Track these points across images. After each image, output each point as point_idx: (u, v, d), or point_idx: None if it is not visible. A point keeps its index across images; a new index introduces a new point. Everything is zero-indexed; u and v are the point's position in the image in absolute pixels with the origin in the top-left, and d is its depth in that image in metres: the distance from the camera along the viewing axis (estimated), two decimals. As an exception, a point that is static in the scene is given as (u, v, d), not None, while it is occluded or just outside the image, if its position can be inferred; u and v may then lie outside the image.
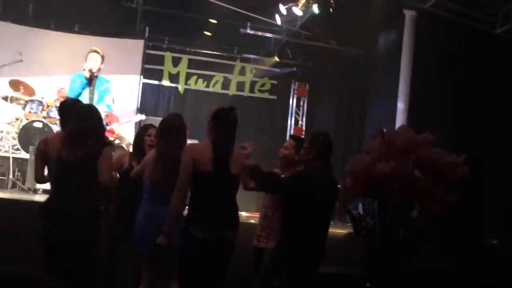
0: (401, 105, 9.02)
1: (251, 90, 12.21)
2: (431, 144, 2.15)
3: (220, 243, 3.84)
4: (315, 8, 10.09)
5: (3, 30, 11.14)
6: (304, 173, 4.16)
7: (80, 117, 4.02)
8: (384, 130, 2.31)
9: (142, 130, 4.94)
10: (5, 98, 9.53)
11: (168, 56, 11.91)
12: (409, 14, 9.07)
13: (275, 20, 10.79)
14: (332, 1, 9.81)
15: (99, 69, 7.69)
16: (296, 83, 12.47)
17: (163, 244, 3.88)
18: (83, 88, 7.59)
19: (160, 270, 4.26)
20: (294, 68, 12.39)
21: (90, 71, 7.58)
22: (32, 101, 9.48)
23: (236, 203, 4.06)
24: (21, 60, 9.88)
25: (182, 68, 11.97)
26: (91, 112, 4.13)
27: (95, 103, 7.53)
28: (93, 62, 7.64)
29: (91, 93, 7.70)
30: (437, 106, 8.48)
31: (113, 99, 8.28)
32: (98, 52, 7.70)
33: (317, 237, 4.00)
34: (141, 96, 11.62)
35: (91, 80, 7.64)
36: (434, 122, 7.86)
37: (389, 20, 9.72)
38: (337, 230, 6.72)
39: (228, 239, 3.90)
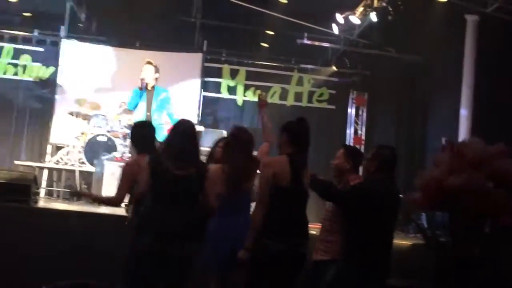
0: (464, 112, 8.79)
1: (309, 100, 12.16)
2: (505, 155, 2.08)
3: (295, 255, 3.85)
4: (373, 16, 9.98)
5: (68, 47, 11.57)
6: (363, 185, 4.11)
7: (188, 137, 4.04)
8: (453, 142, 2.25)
9: (217, 143, 4.98)
10: (72, 114, 9.94)
11: (226, 68, 12.03)
12: (470, 19, 8.84)
13: (332, 29, 10.72)
14: (390, 8, 9.67)
15: (155, 80, 7.93)
16: (355, 92, 12.33)
17: (243, 259, 3.90)
18: (140, 97, 7.86)
19: (229, 283, 4.29)
20: (352, 79, 12.26)
21: (142, 80, 7.84)
22: (96, 115, 9.78)
23: (306, 214, 4.11)
24: (86, 78, 10.19)
25: (240, 80, 12.06)
26: (193, 132, 4.14)
27: (153, 111, 7.75)
28: (146, 72, 7.95)
29: (149, 103, 7.95)
30: (501, 113, 8.21)
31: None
32: (151, 63, 8.00)
33: (381, 250, 3.93)
34: (201, 108, 11.77)
35: (146, 90, 7.86)
36: (499, 129, 7.61)
37: (450, 25, 9.48)
38: (400, 241, 6.58)
39: (302, 252, 3.93)
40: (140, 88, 7.89)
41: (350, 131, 12.30)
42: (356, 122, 12.34)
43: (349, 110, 12.37)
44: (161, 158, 3.97)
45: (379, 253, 3.91)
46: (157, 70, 7.98)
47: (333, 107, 12.22)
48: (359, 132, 12.28)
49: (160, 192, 3.91)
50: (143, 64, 8.25)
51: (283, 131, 4.06)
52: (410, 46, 11.01)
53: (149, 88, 8.02)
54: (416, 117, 11.40)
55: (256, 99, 11.98)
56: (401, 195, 3.87)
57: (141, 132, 4.61)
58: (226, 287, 4.32)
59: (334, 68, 12.13)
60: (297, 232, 3.90)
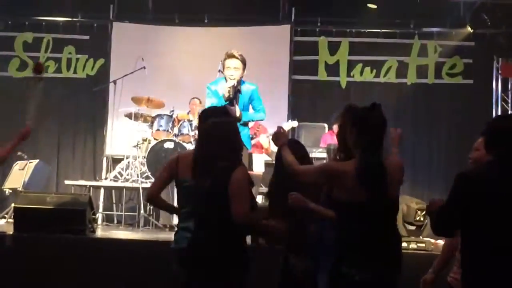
0: None
1: (437, 75, 11.93)
2: None
3: (381, 284, 3.84)
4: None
5: (120, 32, 12.05)
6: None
7: (206, 138, 4.24)
8: None
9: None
10: (129, 116, 10.19)
11: (323, 41, 12.03)
12: None
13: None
14: None
15: (241, 78, 7.55)
16: (500, 60, 11.96)
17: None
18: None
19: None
20: (495, 42, 11.89)
21: (233, 88, 7.35)
22: (160, 116, 10.03)
23: (398, 231, 4.11)
24: (143, 67, 10.43)
25: (342, 55, 12.02)
26: (219, 129, 4.26)
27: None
28: (233, 72, 7.49)
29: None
30: None
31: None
32: (237, 57, 7.52)
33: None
34: (292, 97, 11.91)
35: (234, 98, 7.56)
36: None
37: None
38: None
39: (390, 279, 3.90)
40: (228, 99, 7.53)
41: (496, 112, 11.94)
42: (504, 100, 11.97)
43: (493, 84, 12.02)
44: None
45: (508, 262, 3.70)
46: (244, 65, 7.62)
47: (470, 81, 11.93)
48: (510, 112, 11.89)
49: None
50: (222, 57, 7.80)
51: (353, 125, 4.00)
52: None
53: (236, 90, 7.72)
54: None
55: (365, 78, 12.02)
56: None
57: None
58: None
59: (469, 29, 11.86)
60: (382, 254, 3.87)
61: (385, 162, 3.95)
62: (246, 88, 7.52)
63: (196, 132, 9.26)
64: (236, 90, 7.41)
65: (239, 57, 7.40)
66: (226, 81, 7.38)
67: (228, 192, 4.01)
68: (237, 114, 7.27)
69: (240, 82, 7.46)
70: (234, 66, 7.36)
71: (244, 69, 7.45)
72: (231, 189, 4.01)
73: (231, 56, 7.41)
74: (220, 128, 4.28)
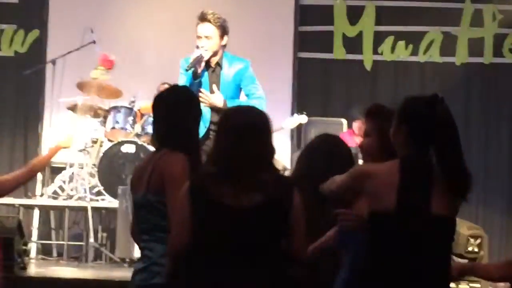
0: None
1: (497, 52, 11.94)
2: None
3: None
4: None
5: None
6: None
7: (241, 136, 4.02)
8: None
9: None
10: (73, 108, 10.15)
11: (340, 5, 12.05)
12: None
13: None
14: None
15: (222, 48, 7.63)
16: None
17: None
18: (196, 84, 7.60)
19: None
20: None
21: (198, 60, 7.40)
22: (116, 109, 10.02)
23: (448, 265, 4.08)
24: (93, 42, 10.44)
25: (367, 24, 12.03)
26: (257, 123, 4.11)
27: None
28: (204, 42, 7.55)
29: (210, 89, 7.75)
30: None
31: None
32: (209, 21, 7.54)
33: None
34: (298, 82, 11.92)
35: (207, 71, 7.59)
36: None
37: None
38: None
39: None
40: (195, 75, 7.61)
41: None
42: None
43: None
44: (204, 177, 4.05)
45: None
46: (223, 31, 7.69)
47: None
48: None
49: (208, 243, 3.98)
50: (196, 20, 7.89)
51: (402, 120, 4.01)
52: None
53: (212, 65, 7.80)
54: None
55: (398, 57, 12.00)
56: None
57: (179, 108, 4.64)
58: None
59: (540, -12, 11.89)
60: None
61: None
62: (231, 65, 7.55)
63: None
64: (208, 64, 7.49)
65: (213, 21, 7.40)
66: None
67: (290, 218, 3.98)
68: (218, 102, 7.22)
69: (221, 55, 7.52)
70: (206, 34, 7.39)
71: (222, 36, 7.47)
72: (293, 216, 3.98)
73: (202, 19, 7.46)
74: (261, 120, 4.16)
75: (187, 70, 7.33)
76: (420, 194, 3.91)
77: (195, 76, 7.30)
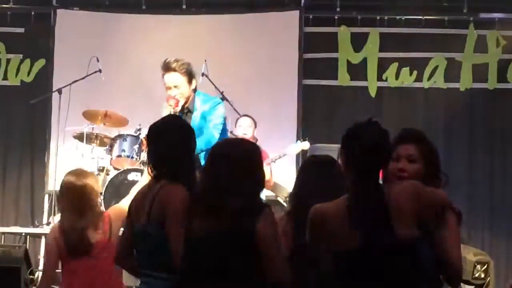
0: None
1: (501, 77, 11.94)
2: None
3: None
4: None
5: (66, 23, 12.09)
6: None
7: (224, 161, 4.17)
8: None
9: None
10: (79, 137, 10.22)
11: (344, 33, 12.09)
12: None
13: None
14: None
15: (193, 91, 7.51)
16: None
17: None
18: None
19: None
20: None
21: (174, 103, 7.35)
22: (122, 137, 10.05)
23: None
24: (99, 71, 10.48)
25: (371, 51, 12.06)
26: (233, 150, 4.25)
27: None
28: (174, 91, 7.41)
29: None
30: None
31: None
32: (174, 69, 7.34)
33: None
34: (302, 109, 11.93)
35: (182, 114, 7.48)
36: None
37: None
38: None
39: None
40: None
41: None
42: None
43: None
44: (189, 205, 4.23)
45: None
46: (190, 76, 7.48)
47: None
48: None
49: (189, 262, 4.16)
50: (166, 72, 7.50)
51: (342, 147, 4.05)
52: None
53: (184, 110, 7.72)
54: None
55: (402, 83, 12.00)
56: None
57: (175, 140, 4.75)
58: None
59: (543, 14, 11.93)
60: None
61: (391, 189, 3.99)
62: (204, 104, 7.51)
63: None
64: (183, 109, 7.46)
65: (178, 69, 7.33)
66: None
67: (255, 243, 4.04)
68: None
69: (192, 99, 7.49)
70: (174, 84, 7.35)
71: (190, 81, 7.41)
72: (261, 238, 4.04)
73: (166, 68, 7.40)
74: (237, 146, 4.33)
75: None
76: (380, 222, 3.90)
77: None
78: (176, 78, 7.33)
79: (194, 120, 7.41)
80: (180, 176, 4.52)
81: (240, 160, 4.16)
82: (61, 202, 5.93)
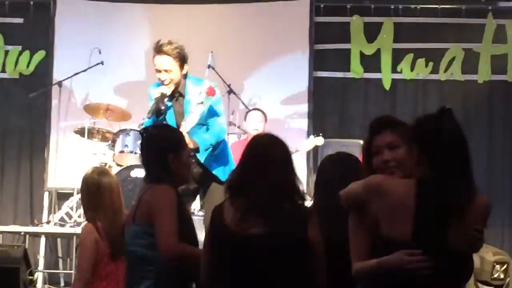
0: None
1: (521, 69, 11.89)
2: None
3: None
4: None
5: (67, 13, 12.01)
6: None
7: (264, 167, 4.19)
8: None
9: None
10: (81, 132, 10.13)
11: (357, 23, 12.03)
12: None
13: None
14: None
15: (184, 76, 7.44)
16: None
17: None
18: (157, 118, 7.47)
19: None
20: None
21: (160, 99, 7.29)
22: (125, 132, 9.87)
23: None
24: (101, 63, 10.46)
25: (385, 42, 11.98)
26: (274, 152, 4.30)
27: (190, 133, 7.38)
28: (164, 75, 7.32)
29: (178, 118, 7.55)
30: None
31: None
32: (165, 52, 7.25)
33: None
34: (314, 102, 11.87)
35: (171, 99, 7.39)
36: None
37: None
38: None
39: None
40: (158, 113, 7.37)
41: None
42: None
43: None
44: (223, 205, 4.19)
45: None
46: (182, 61, 7.43)
47: None
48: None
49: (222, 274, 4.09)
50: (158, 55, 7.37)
51: (413, 138, 3.93)
52: None
53: (175, 94, 7.64)
54: None
55: (417, 75, 11.93)
56: None
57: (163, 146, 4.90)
58: None
59: None
60: None
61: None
62: (196, 87, 7.34)
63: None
64: (165, 100, 7.35)
65: (170, 52, 7.26)
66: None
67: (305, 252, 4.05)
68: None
69: (183, 84, 7.40)
70: (165, 68, 7.27)
71: (182, 66, 7.33)
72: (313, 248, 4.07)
73: (158, 51, 7.33)
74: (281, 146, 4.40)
75: (149, 118, 7.27)
76: (438, 226, 3.79)
77: (159, 114, 7.22)
78: (167, 62, 7.23)
79: (186, 104, 7.35)
80: (165, 179, 4.73)
81: (286, 161, 4.38)
82: (94, 201, 5.87)
